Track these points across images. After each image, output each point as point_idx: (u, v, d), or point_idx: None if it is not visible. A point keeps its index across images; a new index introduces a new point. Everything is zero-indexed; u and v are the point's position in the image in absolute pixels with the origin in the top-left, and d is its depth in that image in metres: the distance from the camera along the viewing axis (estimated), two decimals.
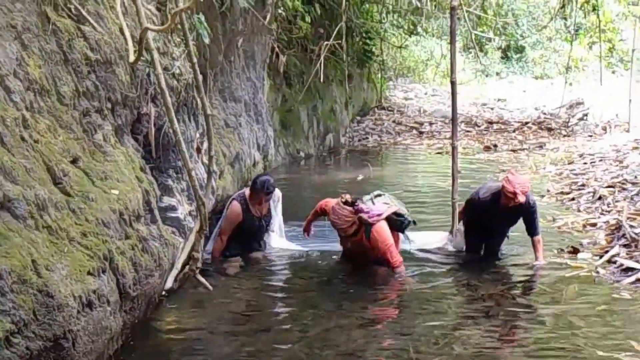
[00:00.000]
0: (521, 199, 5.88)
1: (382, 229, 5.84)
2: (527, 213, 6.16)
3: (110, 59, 4.39)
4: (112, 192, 4.09)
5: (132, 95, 4.66)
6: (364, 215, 5.75)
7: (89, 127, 4.15)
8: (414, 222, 6.23)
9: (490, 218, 6.23)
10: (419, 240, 6.76)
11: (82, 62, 4.12)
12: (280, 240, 6.76)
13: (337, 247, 6.58)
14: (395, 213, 6.03)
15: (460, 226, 6.60)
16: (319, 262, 6.49)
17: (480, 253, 6.50)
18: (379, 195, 6.13)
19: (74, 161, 3.90)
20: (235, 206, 6.28)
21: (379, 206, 5.91)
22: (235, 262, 6.29)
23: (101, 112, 4.31)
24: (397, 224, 6.01)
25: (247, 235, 6.40)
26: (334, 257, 6.54)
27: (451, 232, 6.44)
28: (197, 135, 6.32)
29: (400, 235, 6.22)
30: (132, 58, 4.32)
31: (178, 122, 5.21)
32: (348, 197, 5.86)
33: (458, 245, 6.61)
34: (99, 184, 4.04)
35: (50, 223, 3.47)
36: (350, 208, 5.76)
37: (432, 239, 6.84)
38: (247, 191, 6.37)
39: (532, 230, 6.21)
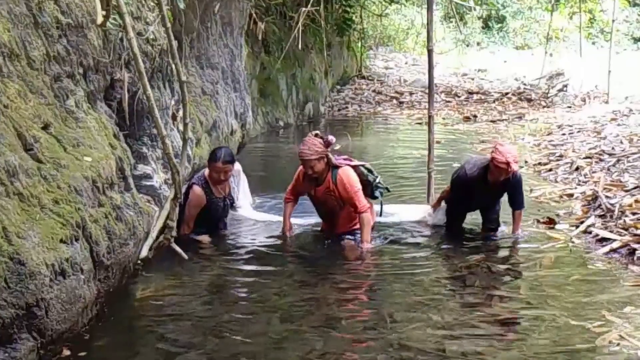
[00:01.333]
0: (515, 167, 5.68)
1: (349, 173, 5.80)
2: (514, 186, 6.00)
3: (82, 23, 4.27)
4: (85, 159, 4.01)
5: (104, 60, 4.55)
6: (333, 156, 5.76)
7: (61, 92, 4.05)
8: (387, 189, 6.21)
9: (478, 194, 6.05)
10: (398, 213, 6.69)
11: (52, 25, 4.00)
12: (250, 212, 6.63)
13: (311, 220, 6.52)
14: (365, 167, 6.01)
15: (443, 204, 6.44)
16: (294, 233, 6.39)
17: (461, 226, 6.44)
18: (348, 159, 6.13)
19: (45, 127, 3.82)
20: (197, 190, 5.95)
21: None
22: (203, 238, 6.07)
23: (73, 78, 4.21)
24: (368, 180, 5.95)
25: (212, 217, 6.15)
26: (309, 229, 6.49)
27: (428, 202, 6.37)
28: (173, 102, 6.22)
29: (376, 207, 6.17)
30: (99, 20, 4.20)
31: (152, 88, 5.12)
32: (318, 133, 5.83)
33: (439, 222, 6.47)
34: (71, 151, 3.95)
35: (21, 190, 3.40)
36: (320, 140, 5.69)
37: (412, 212, 6.73)
38: (206, 171, 6.09)
39: (516, 204, 6.08)
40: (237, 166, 6.46)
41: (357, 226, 5.96)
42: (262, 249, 6.04)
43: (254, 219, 6.60)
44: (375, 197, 6.09)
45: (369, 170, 6.04)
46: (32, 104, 3.71)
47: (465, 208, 6.33)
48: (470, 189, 6.04)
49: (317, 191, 5.92)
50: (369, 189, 5.98)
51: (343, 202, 5.86)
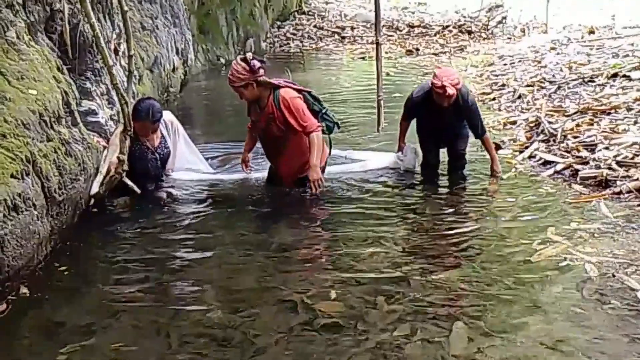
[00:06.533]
0: (450, 91, 5.46)
1: (292, 93, 5.30)
2: (467, 111, 5.77)
3: None
4: (30, 92, 3.89)
5: None
6: (264, 78, 5.22)
7: (0, 23, 3.88)
8: (338, 125, 5.69)
9: (428, 117, 5.86)
10: (365, 159, 6.40)
11: None
12: (187, 173, 5.98)
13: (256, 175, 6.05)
14: (311, 94, 5.49)
15: (408, 144, 6.17)
16: (239, 188, 5.88)
17: (437, 161, 6.16)
18: None
19: None
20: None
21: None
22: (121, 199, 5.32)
23: (12, 8, 4.03)
24: (314, 109, 5.44)
25: (140, 170, 5.40)
26: (253, 182, 5.97)
27: (378, 130, 6.24)
28: (114, 36, 6.04)
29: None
30: None
31: None
32: (249, 55, 5.24)
33: (409, 164, 6.15)
34: (16, 84, 3.82)
35: None
36: (245, 65, 5.15)
37: (380, 159, 6.37)
38: None
39: (476, 130, 5.87)
40: (168, 115, 5.80)
41: (307, 169, 5.41)
42: (207, 202, 5.59)
43: (195, 179, 5.96)
44: (325, 132, 5.52)
45: (315, 99, 5.53)
46: None
47: (427, 131, 6.05)
48: (418, 112, 5.95)
49: (261, 119, 5.40)
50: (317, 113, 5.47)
51: (287, 128, 5.32)
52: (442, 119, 5.85)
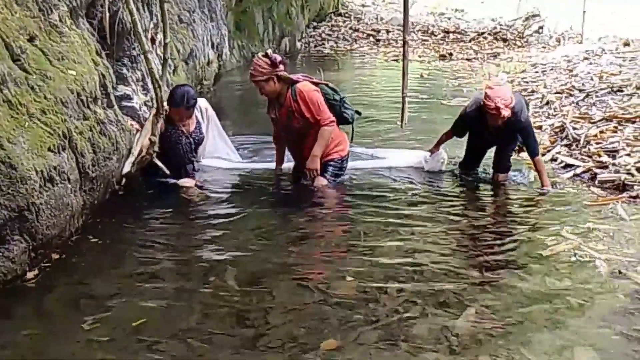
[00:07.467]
0: (505, 113, 5.31)
1: (310, 86, 5.48)
2: (521, 130, 5.62)
3: None
4: (69, 73, 4.11)
5: None
6: (284, 73, 5.41)
7: (45, 6, 4.11)
8: (359, 112, 5.88)
9: (480, 133, 5.80)
10: (391, 157, 6.50)
11: None
12: (217, 161, 6.22)
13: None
14: (329, 86, 5.66)
15: (441, 150, 6.15)
16: (266, 177, 6.06)
17: (475, 168, 6.16)
18: None
19: (31, 39, 3.90)
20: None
21: None
22: (188, 183, 5.59)
23: None
24: (334, 99, 5.63)
25: (174, 154, 5.53)
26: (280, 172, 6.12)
27: (401, 126, 6.35)
28: (152, 25, 6.27)
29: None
30: None
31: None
32: (269, 51, 5.52)
33: (432, 168, 6.16)
34: (56, 64, 4.04)
35: (10, 98, 3.51)
36: (267, 60, 5.38)
37: (406, 157, 6.44)
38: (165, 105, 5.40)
39: (528, 149, 5.68)
40: (203, 102, 6.00)
41: (329, 157, 5.69)
42: (241, 180, 5.97)
43: (224, 167, 6.20)
44: (347, 121, 5.76)
45: (333, 90, 5.69)
46: (17, 16, 3.79)
47: (476, 142, 6.02)
48: (470, 127, 5.88)
49: (281, 114, 5.56)
50: (336, 110, 5.63)
51: (306, 121, 5.49)
52: (494, 136, 5.77)
